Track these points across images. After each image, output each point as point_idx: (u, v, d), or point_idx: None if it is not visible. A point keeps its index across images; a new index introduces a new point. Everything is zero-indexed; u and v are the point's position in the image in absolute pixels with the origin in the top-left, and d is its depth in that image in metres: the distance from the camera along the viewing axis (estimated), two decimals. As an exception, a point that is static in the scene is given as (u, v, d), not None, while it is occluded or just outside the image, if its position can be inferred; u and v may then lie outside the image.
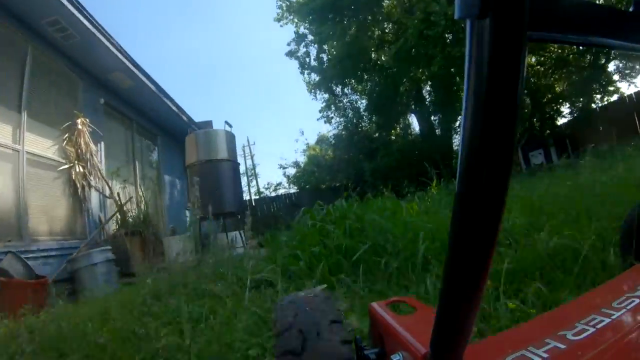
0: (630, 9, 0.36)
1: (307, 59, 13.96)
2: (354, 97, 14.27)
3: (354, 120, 14.07)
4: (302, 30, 13.87)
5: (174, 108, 6.80)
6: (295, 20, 13.95)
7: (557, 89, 10.02)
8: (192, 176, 4.26)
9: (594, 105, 9.17)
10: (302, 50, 13.96)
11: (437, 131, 11.77)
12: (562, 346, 0.58)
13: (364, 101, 14.02)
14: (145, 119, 6.75)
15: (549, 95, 9.94)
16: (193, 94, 47.72)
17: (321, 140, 17.27)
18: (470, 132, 0.29)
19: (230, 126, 4.98)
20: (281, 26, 14.63)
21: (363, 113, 14.07)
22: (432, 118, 12.51)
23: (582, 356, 0.55)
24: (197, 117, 8.02)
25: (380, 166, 10.80)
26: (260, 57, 52.28)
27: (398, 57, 9.15)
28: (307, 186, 14.94)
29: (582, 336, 0.59)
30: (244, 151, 21.20)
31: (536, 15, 0.27)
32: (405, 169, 9.88)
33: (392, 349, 0.66)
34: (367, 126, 14.13)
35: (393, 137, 12.77)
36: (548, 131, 9.50)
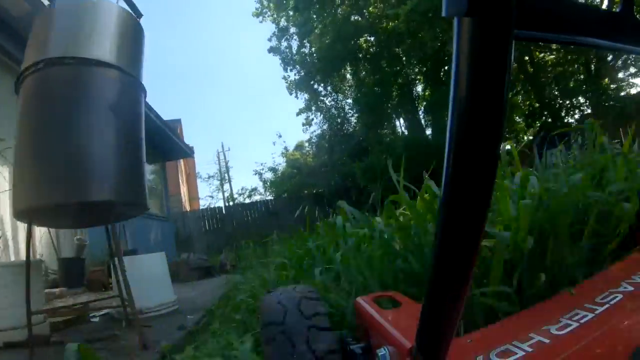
0: (618, 10, 0.40)
1: (289, 54, 14.64)
2: (338, 96, 14.86)
3: (338, 120, 14.51)
4: (282, 23, 14.58)
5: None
6: (275, 14, 14.58)
7: (576, 79, 10.40)
8: (23, 103, 1.98)
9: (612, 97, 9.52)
10: (284, 44, 14.70)
11: (429, 132, 12.20)
12: (546, 340, 0.67)
13: (349, 100, 14.63)
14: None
15: (570, 84, 10.29)
16: (165, 97, 48.90)
17: (300, 146, 17.69)
18: (457, 129, 0.33)
19: (138, 15, 2.56)
20: (260, 22, 15.40)
21: (348, 112, 14.52)
22: (425, 117, 12.94)
23: (565, 350, 0.63)
24: (165, 114, 7.42)
25: (374, 165, 10.58)
26: (237, 61, 55.94)
27: (411, 19, 8.83)
28: (285, 193, 15.12)
29: (565, 331, 0.68)
30: (218, 158, 21.35)
31: (524, 14, 0.31)
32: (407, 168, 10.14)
33: (377, 344, 0.74)
34: (354, 126, 14.50)
35: (387, 139, 13.21)
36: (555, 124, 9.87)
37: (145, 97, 2.32)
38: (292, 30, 14.33)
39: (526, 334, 0.70)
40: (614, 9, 0.41)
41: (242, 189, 21.00)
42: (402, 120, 13.87)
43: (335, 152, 14.24)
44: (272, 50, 14.84)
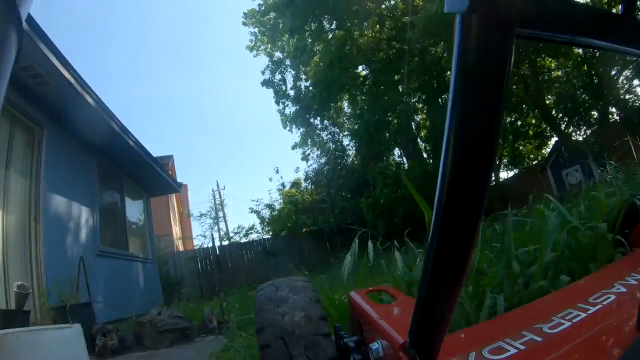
0: (619, 11, 0.43)
1: (284, 87, 15.43)
2: (335, 129, 15.47)
3: (336, 153, 14.95)
4: (277, 55, 15.53)
5: (67, 74, 4.32)
6: (269, 46, 15.51)
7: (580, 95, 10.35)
8: None
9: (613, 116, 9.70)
10: (278, 77, 15.46)
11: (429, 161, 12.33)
12: (538, 339, 0.72)
13: (346, 133, 15.16)
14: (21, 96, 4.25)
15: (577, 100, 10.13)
16: (159, 136, 51.38)
17: (297, 184, 18.19)
18: (457, 125, 0.36)
19: None
20: (255, 56, 16.30)
21: (347, 145, 15.03)
22: (426, 147, 13.27)
23: (557, 349, 0.67)
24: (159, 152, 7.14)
25: (379, 201, 10.53)
26: (231, 97, 59.34)
27: (428, 28, 8.68)
28: (284, 232, 15.22)
29: (557, 329, 0.73)
30: (213, 197, 21.78)
31: (525, 12, 0.33)
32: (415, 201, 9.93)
33: (371, 338, 0.79)
34: (353, 159, 14.96)
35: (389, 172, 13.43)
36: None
37: (19, 42, 0.41)
38: (287, 62, 15.06)
39: (519, 331, 0.75)
40: (616, 11, 0.44)
41: (238, 227, 21.01)
42: (401, 151, 14.24)
43: (334, 187, 14.47)
44: (265, 83, 15.53)
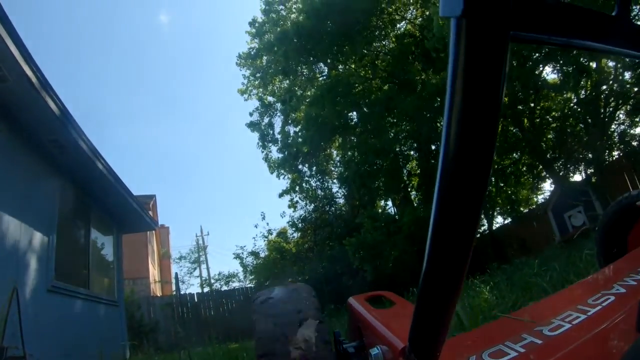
0: (613, 13, 0.45)
1: (271, 131, 15.92)
2: (324, 177, 15.84)
3: (325, 200, 15.20)
4: (268, 99, 16.17)
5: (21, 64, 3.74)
6: (260, 90, 16.22)
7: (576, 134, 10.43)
8: None
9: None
10: (266, 120, 15.98)
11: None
12: (539, 341, 0.73)
13: (335, 182, 15.54)
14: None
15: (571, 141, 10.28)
16: (144, 179, 52.09)
17: (283, 233, 18.43)
18: (453, 131, 0.37)
19: None
20: (245, 100, 16.95)
21: (336, 193, 15.39)
22: (416, 195, 13.56)
23: (557, 351, 0.69)
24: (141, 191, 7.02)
25: (367, 241, 10.33)
26: (218, 142, 61.68)
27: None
28: (268, 282, 15.02)
29: (558, 332, 0.75)
30: (197, 242, 21.56)
31: (520, 15, 0.35)
32: (408, 244, 9.50)
33: (370, 343, 0.81)
34: (341, 207, 15.19)
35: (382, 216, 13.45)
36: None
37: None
38: (278, 106, 15.66)
39: (519, 334, 0.76)
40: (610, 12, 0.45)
41: (219, 274, 20.83)
42: (392, 198, 14.51)
43: (322, 235, 14.53)
44: (251, 125, 15.96)
